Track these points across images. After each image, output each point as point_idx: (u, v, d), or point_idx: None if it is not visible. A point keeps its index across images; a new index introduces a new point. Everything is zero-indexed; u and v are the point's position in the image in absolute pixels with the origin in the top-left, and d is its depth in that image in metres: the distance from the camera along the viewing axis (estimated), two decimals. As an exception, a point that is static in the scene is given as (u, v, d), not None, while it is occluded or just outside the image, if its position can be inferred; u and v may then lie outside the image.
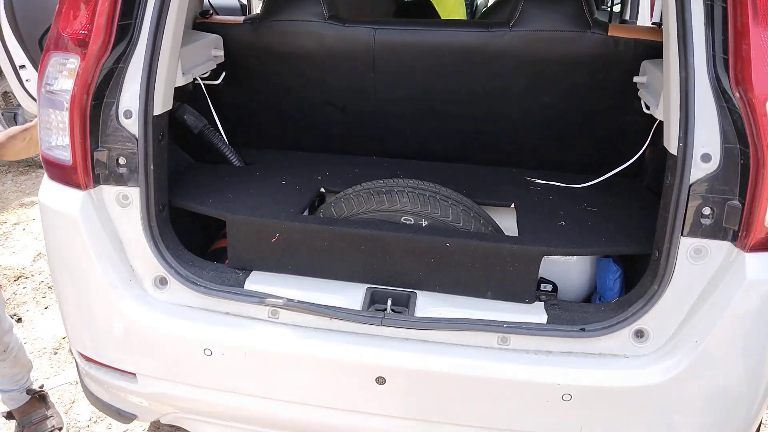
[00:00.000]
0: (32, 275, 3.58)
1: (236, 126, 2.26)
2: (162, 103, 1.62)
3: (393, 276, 1.67)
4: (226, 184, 1.93)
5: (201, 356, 1.64)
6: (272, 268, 1.72)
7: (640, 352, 1.54)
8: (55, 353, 2.92)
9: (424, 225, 1.74)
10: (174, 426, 2.07)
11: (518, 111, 2.12)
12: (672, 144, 1.45)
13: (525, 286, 1.63)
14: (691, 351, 1.48)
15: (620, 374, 1.53)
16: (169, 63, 1.61)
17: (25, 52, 2.80)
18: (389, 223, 1.72)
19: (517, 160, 2.21)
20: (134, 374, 1.76)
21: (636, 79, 1.84)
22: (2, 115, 4.76)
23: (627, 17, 3.89)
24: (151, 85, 1.58)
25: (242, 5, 3.91)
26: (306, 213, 1.88)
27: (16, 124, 4.67)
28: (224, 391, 1.68)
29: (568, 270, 1.93)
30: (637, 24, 3.79)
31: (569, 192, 2.01)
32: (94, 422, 2.54)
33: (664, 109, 1.51)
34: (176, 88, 1.83)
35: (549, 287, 1.88)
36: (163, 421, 1.91)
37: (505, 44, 1.95)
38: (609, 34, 1.92)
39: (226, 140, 2.15)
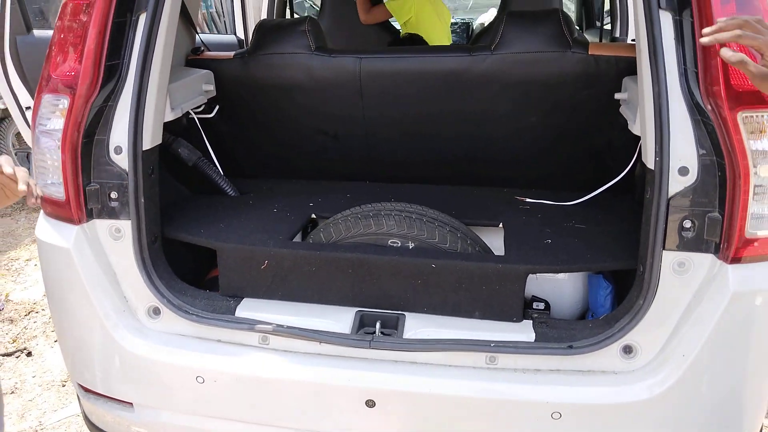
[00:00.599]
0: (42, 309, 3.64)
1: (232, 157, 2.31)
2: (151, 139, 1.67)
3: (381, 299, 1.69)
4: (219, 214, 1.97)
5: (194, 384, 1.66)
6: (263, 295, 1.75)
7: (629, 367, 1.54)
8: (63, 386, 2.96)
9: (411, 247, 1.76)
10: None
11: (506, 131, 2.14)
12: (649, 158, 1.47)
13: (512, 305, 1.64)
14: (679, 365, 1.47)
15: (610, 391, 1.52)
16: (157, 99, 1.67)
17: (30, 94, 2.91)
18: (375, 247, 1.75)
19: (508, 180, 2.23)
20: (131, 404, 1.78)
21: (617, 95, 1.86)
22: (16, 155, 4.90)
23: (617, 35, 3.92)
24: (139, 122, 1.63)
25: (239, 41, 4.02)
26: (299, 239, 1.91)
27: (29, 163, 4.81)
28: (218, 418, 1.70)
29: (560, 288, 1.93)
30: (628, 41, 3.82)
31: (558, 210, 2.02)
32: (100, 454, 2.55)
33: (640, 124, 1.53)
34: (171, 123, 1.90)
35: (541, 305, 1.88)
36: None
37: (487, 67, 1.99)
38: (589, 52, 1.94)
39: (220, 171, 2.21)
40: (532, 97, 2.03)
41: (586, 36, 5.05)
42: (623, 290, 1.89)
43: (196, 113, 2.14)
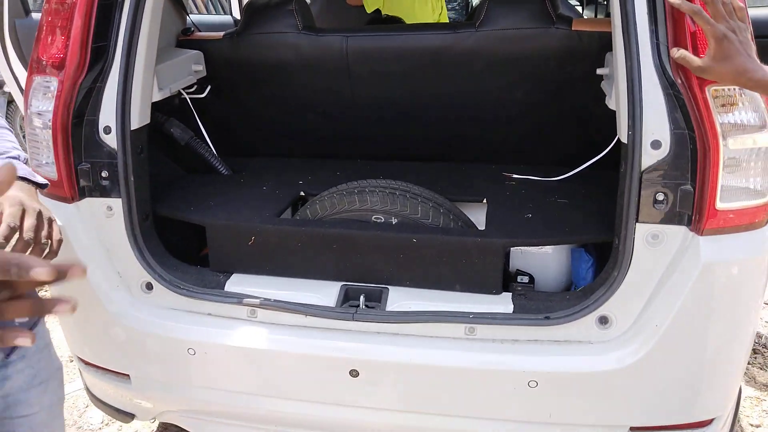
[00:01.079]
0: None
1: (224, 136, 2.36)
2: (139, 118, 1.72)
3: (365, 273, 1.74)
4: (210, 192, 2.02)
5: (185, 355, 1.73)
6: (251, 270, 1.80)
7: (604, 337, 1.57)
8: (71, 361, 3.05)
9: (393, 223, 1.80)
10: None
11: (493, 108, 2.16)
12: (622, 132, 1.49)
13: (491, 278, 1.68)
14: (652, 335, 1.51)
15: (585, 360, 1.56)
16: (144, 80, 1.71)
17: (30, 77, 2.97)
18: (359, 222, 1.79)
19: (496, 157, 2.25)
20: (128, 375, 1.86)
21: (599, 71, 1.87)
22: (24, 137, 4.97)
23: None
24: (126, 102, 1.68)
25: (235, 21, 4.03)
26: (288, 216, 1.95)
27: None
28: (208, 389, 1.77)
29: (545, 262, 1.97)
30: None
31: (544, 185, 2.04)
32: (106, 425, 2.65)
33: (615, 98, 1.55)
34: (163, 103, 1.94)
35: (526, 279, 1.92)
36: (159, 420, 2.00)
37: (472, 44, 2.00)
38: (573, 28, 1.95)
39: (213, 150, 2.25)
40: (517, 73, 2.05)
41: (587, 12, 5.02)
42: (604, 263, 1.93)
43: (188, 93, 2.18)
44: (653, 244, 1.49)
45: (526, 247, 1.99)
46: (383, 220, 1.81)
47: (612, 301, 1.54)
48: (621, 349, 1.55)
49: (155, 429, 2.61)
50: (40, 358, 1.33)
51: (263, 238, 1.77)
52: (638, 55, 1.43)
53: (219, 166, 2.23)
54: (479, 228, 1.87)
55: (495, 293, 1.68)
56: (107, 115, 1.69)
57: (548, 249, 1.95)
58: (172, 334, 1.74)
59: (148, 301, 1.79)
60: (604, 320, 1.57)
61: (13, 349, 1.23)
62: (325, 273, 1.76)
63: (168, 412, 1.95)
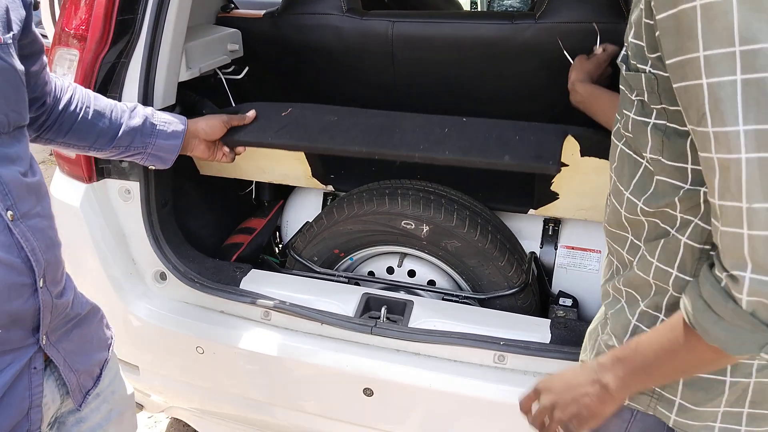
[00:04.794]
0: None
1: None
2: (162, 98, 1.61)
3: (400, 144, 1.53)
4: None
5: (194, 353, 1.63)
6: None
7: (653, 382, 1.38)
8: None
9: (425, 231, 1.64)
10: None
11: (547, 111, 1.96)
12: None
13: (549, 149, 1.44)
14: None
15: (628, 405, 1.37)
16: (170, 58, 1.60)
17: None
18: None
19: None
20: (137, 366, 1.78)
21: None
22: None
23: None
24: (150, 80, 1.57)
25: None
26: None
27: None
28: (215, 391, 1.67)
29: (592, 283, 1.78)
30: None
31: None
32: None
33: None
34: (198, 82, 1.84)
35: (569, 302, 1.74)
36: (168, 414, 1.93)
37: (530, 37, 1.80)
38: (648, 25, 1.73)
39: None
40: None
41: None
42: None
43: (224, 74, 2.07)
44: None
45: (571, 266, 1.80)
46: (413, 226, 1.65)
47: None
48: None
49: (165, 426, 2.55)
50: (114, 390, 1.24)
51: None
52: None
53: None
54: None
55: (552, 164, 1.43)
56: (130, 93, 1.59)
57: (596, 267, 1.76)
58: (181, 329, 1.64)
59: (161, 293, 1.70)
60: (654, 363, 1.37)
61: (85, 396, 1.16)
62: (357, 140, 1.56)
63: (176, 408, 1.87)
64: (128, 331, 1.72)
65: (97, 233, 1.66)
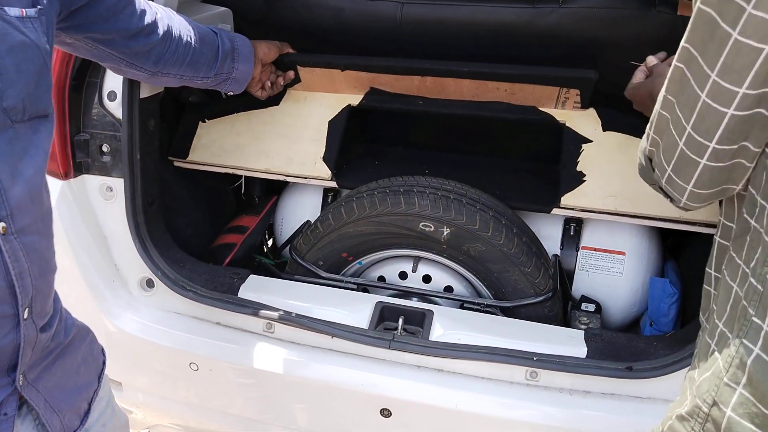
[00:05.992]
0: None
1: None
2: (150, 85, 1.43)
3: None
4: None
5: (187, 371, 1.47)
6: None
7: (699, 400, 1.27)
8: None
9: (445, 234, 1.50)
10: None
11: None
12: None
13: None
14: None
15: (674, 426, 1.27)
16: (159, 38, 1.41)
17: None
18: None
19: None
20: (120, 383, 1.60)
21: None
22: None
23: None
24: (136, 64, 1.38)
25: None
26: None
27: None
28: (211, 410, 1.51)
29: (615, 287, 1.67)
30: None
31: None
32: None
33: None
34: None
35: (591, 307, 1.63)
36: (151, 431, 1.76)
37: (553, 23, 1.66)
38: (678, 13, 1.61)
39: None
40: (603, 63, 1.71)
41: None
42: (690, 299, 1.62)
43: None
44: None
45: (593, 269, 1.69)
46: (433, 229, 1.51)
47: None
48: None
49: None
50: (105, 423, 1.12)
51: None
52: None
53: None
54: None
55: None
56: (113, 78, 1.41)
57: (620, 270, 1.65)
58: (172, 343, 1.47)
59: (148, 302, 1.53)
60: (700, 378, 1.27)
61: (86, 415, 1.04)
62: None
63: (160, 426, 1.70)
64: (111, 346, 1.51)
65: (74, 236, 1.47)
